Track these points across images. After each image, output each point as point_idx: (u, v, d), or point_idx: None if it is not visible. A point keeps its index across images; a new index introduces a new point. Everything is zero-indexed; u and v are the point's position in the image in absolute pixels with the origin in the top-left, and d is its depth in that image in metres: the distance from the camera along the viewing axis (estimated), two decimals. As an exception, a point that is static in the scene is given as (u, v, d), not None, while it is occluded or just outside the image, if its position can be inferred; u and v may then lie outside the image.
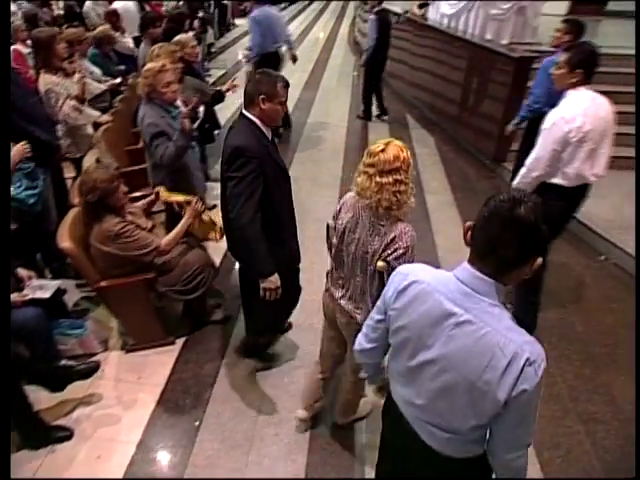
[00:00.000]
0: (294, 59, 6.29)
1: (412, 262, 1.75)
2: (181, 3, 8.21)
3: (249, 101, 2.24)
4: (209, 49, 10.59)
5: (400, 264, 1.67)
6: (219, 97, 4.27)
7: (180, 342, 3.08)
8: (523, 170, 2.88)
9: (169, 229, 3.25)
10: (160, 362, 2.92)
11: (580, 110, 2.62)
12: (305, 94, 8.46)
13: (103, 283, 2.70)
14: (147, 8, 8.59)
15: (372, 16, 6.42)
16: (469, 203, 4.85)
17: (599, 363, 3.04)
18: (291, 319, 3.24)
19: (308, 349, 3.06)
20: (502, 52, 5.00)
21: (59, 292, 2.78)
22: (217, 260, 3.82)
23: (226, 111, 6.58)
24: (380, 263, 1.81)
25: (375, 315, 1.49)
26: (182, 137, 2.83)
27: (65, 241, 2.55)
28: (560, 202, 2.79)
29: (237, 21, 15.97)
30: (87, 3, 8.22)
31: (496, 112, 5.45)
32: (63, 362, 2.67)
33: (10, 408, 2.00)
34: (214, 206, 4.62)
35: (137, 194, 3.55)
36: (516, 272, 1.17)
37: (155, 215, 3.59)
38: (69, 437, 2.37)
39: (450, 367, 1.22)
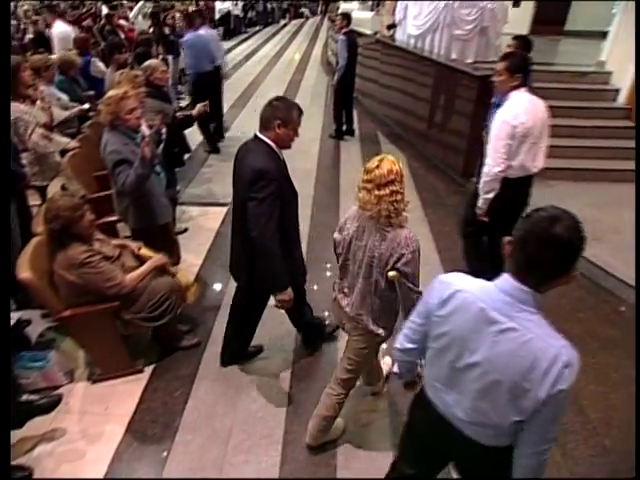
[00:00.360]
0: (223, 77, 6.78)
1: (418, 265, 1.96)
2: (151, 30, 8.23)
3: (266, 125, 2.35)
4: (182, 73, 10.60)
5: (410, 269, 1.92)
6: (189, 121, 4.26)
7: (149, 370, 3.00)
8: (485, 169, 3.11)
9: (136, 257, 3.22)
10: (128, 391, 2.84)
11: (522, 109, 2.98)
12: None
13: (66, 312, 2.62)
14: (121, 34, 8.61)
15: (342, 37, 6.57)
16: (440, 218, 4.91)
17: (567, 373, 3.06)
18: (262, 342, 3.21)
19: (277, 374, 3.02)
20: (466, 71, 5.13)
21: (20, 324, 2.70)
22: (188, 284, 3.78)
23: (197, 134, 6.60)
24: (391, 273, 1.95)
25: (416, 319, 1.59)
26: (142, 164, 2.81)
27: (24, 272, 2.47)
28: (509, 193, 3.14)
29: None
30: (58, 29, 8.21)
31: (463, 128, 5.57)
32: (25, 397, 2.57)
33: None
34: (185, 229, 4.59)
35: (110, 219, 3.50)
36: (554, 283, 1.29)
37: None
38: (28, 477, 2.27)
39: (494, 369, 1.34)
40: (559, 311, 3.61)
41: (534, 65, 6.35)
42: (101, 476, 2.35)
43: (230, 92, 10.10)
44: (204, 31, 6.33)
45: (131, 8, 10.95)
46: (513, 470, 1.46)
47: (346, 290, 2.22)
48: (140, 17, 10.88)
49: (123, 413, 2.70)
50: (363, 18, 9.91)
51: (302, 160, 6.34)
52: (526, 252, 1.26)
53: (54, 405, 2.43)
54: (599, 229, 4.31)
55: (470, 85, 5.22)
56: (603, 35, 6.54)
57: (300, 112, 2.39)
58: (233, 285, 3.78)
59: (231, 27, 18.19)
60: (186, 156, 4.86)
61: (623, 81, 6.03)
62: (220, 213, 4.93)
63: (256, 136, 2.41)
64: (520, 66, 3.04)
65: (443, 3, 6.30)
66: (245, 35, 19.44)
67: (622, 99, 6.06)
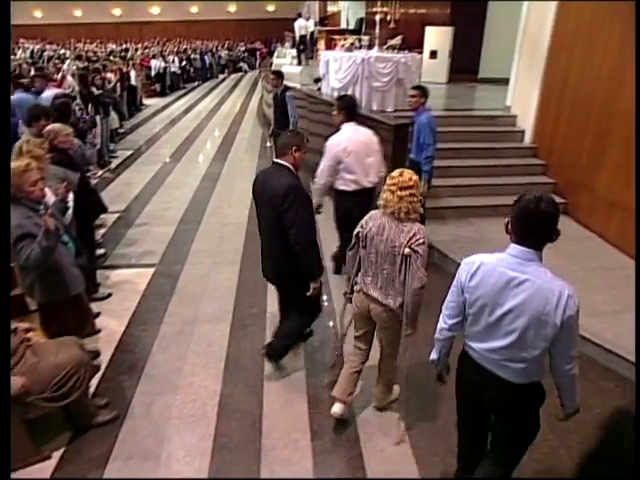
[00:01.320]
0: None
1: (428, 249, 2.52)
2: (79, 90, 8.16)
3: (284, 151, 2.93)
4: (115, 131, 10.55)
5: (421, 250, 2.47)
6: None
7: (58, 454, 2.78)
8: (315, 180, 4.12)
9: (46, 329, 3.07)
10: (31, 483, 2.62)
11: (345, 137, 3.97)
12: (212, 168, 8.58)
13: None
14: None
15: (289, 93, 6.72)
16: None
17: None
18: (179, 409, 3.10)
19: (197, 444, 2.88)
20: (383, 120, 5.42)
21: None
22: (108, 353, 3.62)
23: (136, 188, 6.51)
24: (407, 250, 2.49)
25: (453, 298, 2.08)
26: (46, 237, 2.73)
27: None
28: (347, 202, 4.08)
29: (147, 101, 16.21)
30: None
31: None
32: None
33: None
34: (109, 294, 4.42)
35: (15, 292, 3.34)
36: (546, 242, 1.84)
37: (32, 315, 3.37)
38: None
39: (521, 312, 1.84)
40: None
41: (454, 111, 6.91)
42: None
43: (166, 148, 10.16)
44: (47, 92, 6.64)
45: (58, 69, 10.90)
46: (559, 391, 2.01)
47: (370, 279, 2.71)
48: (69, 77, 10.83)
49: (24, 509, 2.48)
50: (292, 72, 10.34)
51: (232, 215, 6.36)
52: (526, 227, 1.81)
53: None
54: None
55: (387, 133, 5.49)
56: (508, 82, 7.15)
57: (307, 140, 3.03)
58: (158, 349, 3.68)
59: (168, 84, 18.39)
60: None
61: (526, 123, 6.58)
62: (147, 275, 4.81)
63: (275, 162, 2.95)
64: (344, 106, 4.05)
65: (360, 58, 6.71)
66: (184, 91, 19.71)
67: (527, 139, 6.59)
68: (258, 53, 28.38)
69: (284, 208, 2.77)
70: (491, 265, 1.89)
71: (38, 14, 31.34)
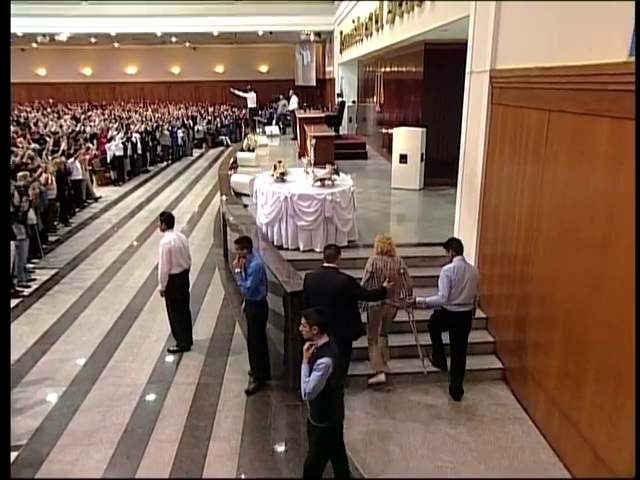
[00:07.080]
0: None
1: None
2: None
3: (332, 259, 5.80)
4: (40, 242, 11.40)
5: (407, 268, 6.36)
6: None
7: None
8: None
9: None
10: None
11: (171, 238, 7.04)
12: (136, 300, 9.09)
13: None
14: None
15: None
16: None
17: None
18: None
19: None
20: (281, 283, 6.25)
21: None
22: None
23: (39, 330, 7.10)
24: (402, 271, 6.23)
25: (445, 285, 6.00)
26: None
27: None
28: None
29: (100, 191, 17.10)
30: None
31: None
32: None
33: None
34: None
35: None
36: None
37: None
38: None
39: (469, 278, 6.04)
40: None
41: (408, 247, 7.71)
42: None
43: (94, 267, 10.63)
44: None
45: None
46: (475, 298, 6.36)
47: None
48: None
49: None
50: (241, 182, 11.51)
51: (135, 371, 6.83)
52: (458, 248, 6.15)
53: None
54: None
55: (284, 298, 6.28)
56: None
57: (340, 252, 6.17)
58: None
59: (126, 170, 19.55)
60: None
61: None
62: (8, 462, 5.30)
63: (326, 266, 5.80)
64: (165, 219, 7.17)
65: (283, 195, 7.64)
66: (146, 175, 20.65)
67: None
68: (242, 122, 30.18)
69: (350, 289, 5.71)
70: (457, 265, 5.98)
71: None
